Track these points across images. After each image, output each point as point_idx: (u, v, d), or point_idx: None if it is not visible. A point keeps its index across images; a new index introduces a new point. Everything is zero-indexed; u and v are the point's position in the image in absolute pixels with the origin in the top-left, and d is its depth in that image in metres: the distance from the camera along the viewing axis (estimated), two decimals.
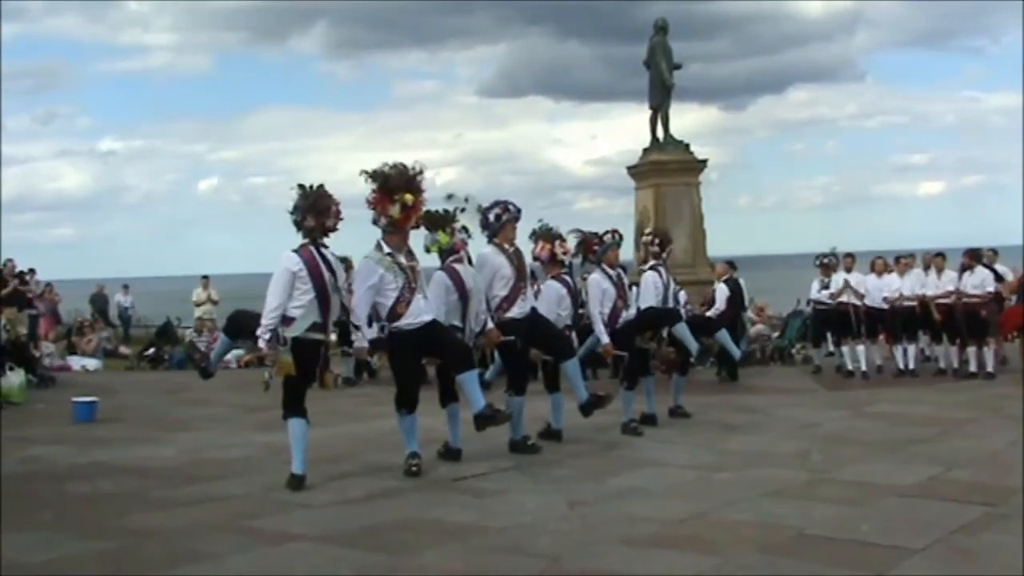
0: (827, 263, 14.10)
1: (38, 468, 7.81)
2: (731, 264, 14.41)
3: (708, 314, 11.70)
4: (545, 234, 8.83)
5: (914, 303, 13.36)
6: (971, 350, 13.20)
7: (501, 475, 7.33)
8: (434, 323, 7.41)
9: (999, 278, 14.07)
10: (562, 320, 8.72)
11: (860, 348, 13.59)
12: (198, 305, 20.67)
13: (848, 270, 13.91)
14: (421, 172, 7.35)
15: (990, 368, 12.94)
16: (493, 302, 8.10)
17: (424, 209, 7.47)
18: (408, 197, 7.28)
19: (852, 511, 6.12)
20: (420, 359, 7.53)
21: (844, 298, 13.64)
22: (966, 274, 13.23)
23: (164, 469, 7.71)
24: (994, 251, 15.13)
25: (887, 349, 14.06)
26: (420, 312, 7.36)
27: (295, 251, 6.94)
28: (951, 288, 13.14)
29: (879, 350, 14.11)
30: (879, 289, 13.62)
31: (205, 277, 21.23)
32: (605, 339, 8.94)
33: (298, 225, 7.01)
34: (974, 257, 13.47)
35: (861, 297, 13.57)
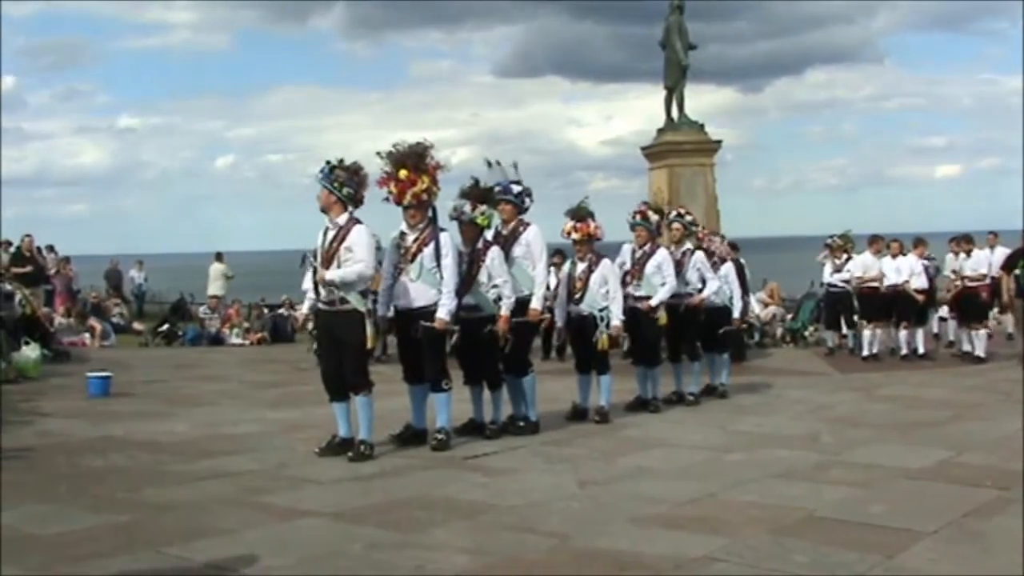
0: (829, 244, 14.11)
1: (52, 442, 7.86)
2: (733, 246, 14.39)
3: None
4: (577, 212, 8.72)
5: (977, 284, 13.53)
6: (970, 332, 13.29)
7: (511, 454, 7.35)
8: (412, 314, 7.34)
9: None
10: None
11: (875, 331, 13.58)
12: (215, 281, 20.67)
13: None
14: (427, 149, 7.34)
15: (981, 352, 12.97)
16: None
17: (421, 186, 7.30)
18: (403, 172, 7.29)
19: (862, 493, 6.11)
20: (409, 337, 7.51)
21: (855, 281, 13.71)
22: (961, 257, 13.29)
23: (177, 444, 7.75)
24: (994, 234, 15.10)
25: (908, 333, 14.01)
26: (401, 295, 7.43)
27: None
28: (984, 271, 13.27)
29: (892, 333, 14.05)
30: (896, 271, 13.60)
31: (219, 254, 21.21)
32: (616, 321, 8.65)
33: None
34: (968, 242, 13.53)
35: (881, 279, 13.56)
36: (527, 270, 8.05)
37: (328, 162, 7.13)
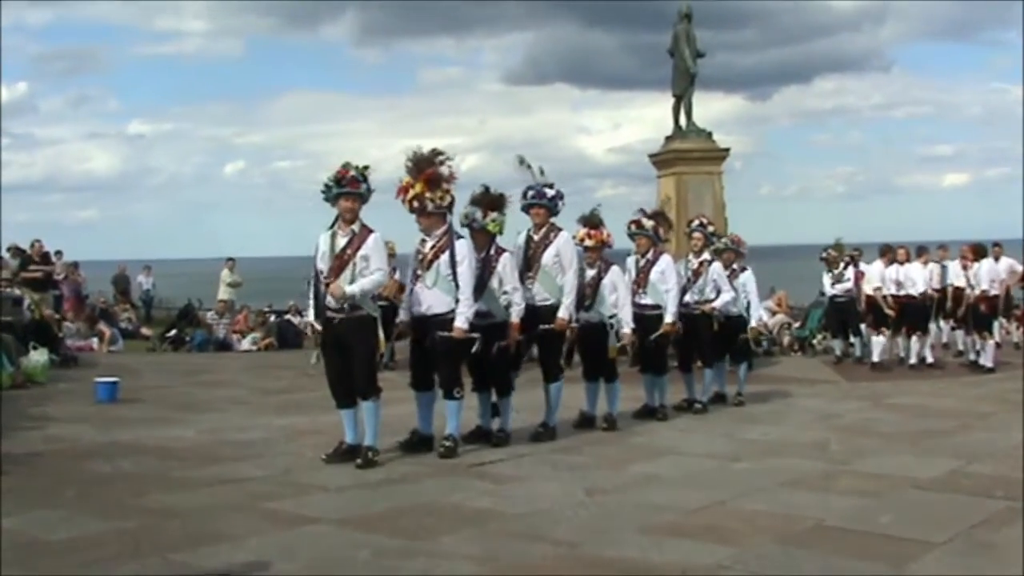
0: (825, 258, 14.14)
1: (60, 447, 7.86)
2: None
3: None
4: (590, 219, 8.71)
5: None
6: (971, 341, 13.26)
7: (519, 461, 7.34)
8: (428, 321, 7.34)
9: None
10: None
11: (881, 339, 13.55)
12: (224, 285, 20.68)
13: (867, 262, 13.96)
14: (429, 156, 7.31)
15: (988, 363, 12.91)
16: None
17: (412, 193, 7.29)
18: (406, 179, 7.30)
19: (871, 503, 6.09)
20: (422, 343, 7.48)
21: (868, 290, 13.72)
22: (976, 267, 13.27)
23: (184, 450, 7.76)
24: (998, 245, 15.10)
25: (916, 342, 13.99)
26: (415, 302, 7.43)
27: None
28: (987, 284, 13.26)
29: (902, 341, 14.02)
30: (907, 278, 13.58)
31: (230, 259, 21.26)
32: (627, 328, 8.61)
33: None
34: (982, 254, 13.50)
35: (902, 287, 13.55)
36: (555, 278, 8.02)
37: (356, 170, 6.99)
